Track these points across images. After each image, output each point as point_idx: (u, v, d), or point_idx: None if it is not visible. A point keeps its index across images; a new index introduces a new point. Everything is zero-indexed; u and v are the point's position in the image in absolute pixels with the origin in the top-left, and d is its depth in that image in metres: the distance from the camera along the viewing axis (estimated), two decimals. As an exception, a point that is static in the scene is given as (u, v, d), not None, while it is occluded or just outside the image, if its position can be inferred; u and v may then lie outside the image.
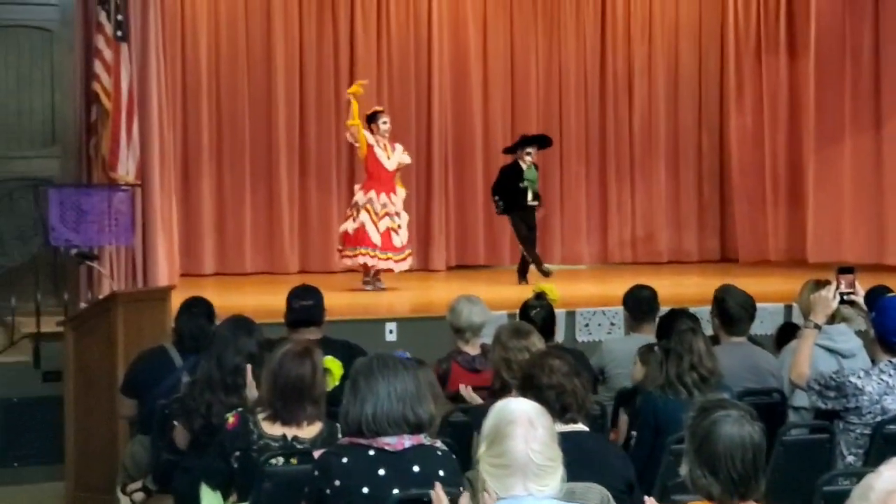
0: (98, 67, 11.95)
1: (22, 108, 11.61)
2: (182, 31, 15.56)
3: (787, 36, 17.49)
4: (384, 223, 13.16)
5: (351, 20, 16.38)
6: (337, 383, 5.82)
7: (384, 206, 13.19)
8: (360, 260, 13.18)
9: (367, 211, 13.15)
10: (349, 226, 13.28)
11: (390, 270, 13.40)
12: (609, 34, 17.67)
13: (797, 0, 17.38)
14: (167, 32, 13.62)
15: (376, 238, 13.08)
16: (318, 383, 5.49)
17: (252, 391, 5.89)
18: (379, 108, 13.78)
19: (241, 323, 6.39)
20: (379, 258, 13.16)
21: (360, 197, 13.32)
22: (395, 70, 16.59)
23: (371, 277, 13.47)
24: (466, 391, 6.71)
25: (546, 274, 14.05)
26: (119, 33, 12.04)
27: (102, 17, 12.00)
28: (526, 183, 14.10)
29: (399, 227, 13.31)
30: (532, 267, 14.28)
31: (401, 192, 13.51)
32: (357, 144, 13.42)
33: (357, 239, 13.12)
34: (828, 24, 16.50)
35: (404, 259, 13.43)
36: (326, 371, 5.66)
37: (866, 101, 16.18)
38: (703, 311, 8.38)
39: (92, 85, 12.00)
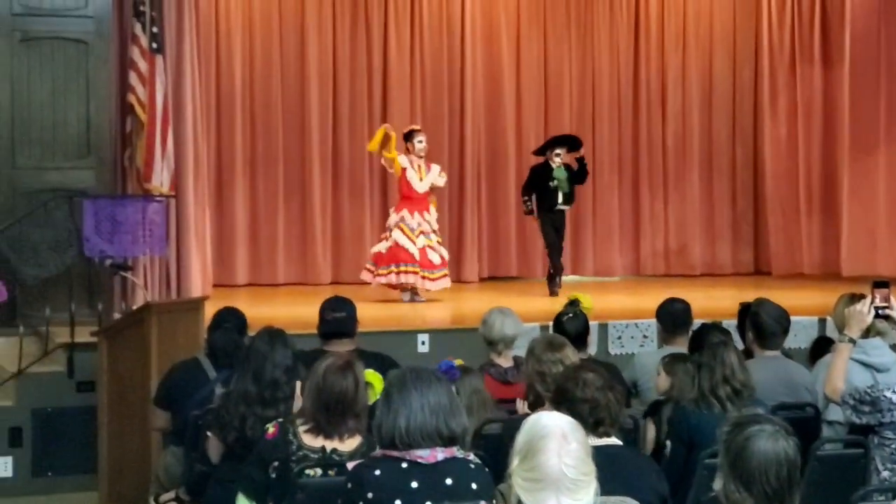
0: (133, 79, 12.01)
1: (57, 120, 11.65)
2: (216, 44, 15.61)
3: (821, 45, 17.41)
4: (421, 241, 13.16)
5: (384, 31, 16.40)
6: (378, 397, 5.82)
7: (419, 224, 13.19)
8: (403, 279, 13.17)
9: (401, 229, 13.15)
10: (382, 246, 13.30)
11: (428, 291, 13.39)
12: (642, 44, 17.63)
13: (832, 9, 17.30)
14: (202, 45, 13.66)
15: (415, 253, 13.08)
16: (360, 397, 5.52)
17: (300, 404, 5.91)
18: (416, 127, 13.80)
19: (276, 335, 6.40)
20: (419, 275, 13.15)
21: (392, 218, 13.37)
22: (428, 82, 16.60)
23: (409, 290, 13.47)
24: (522, 406, 6.65)
25: (555, 289, 13.94)
26: (154, 45, 12.10)
27: (138, 28, 12.06)
28: (556, 182, 13.98)
29: (434, 245, 13.30)
30: (561, 278, 14.22)
31: (434, 211, 13.49)
32: (392, 170, 13.45)
33: (392, 258, 13.13)
34: (862, 34, 16.43)
35: (442, 278, 13.42)
36: (368, 385, 5.68)
37: (901, 112, 16.13)
38: (731, 325, 8.35)
39: (127, 96, 12.07)
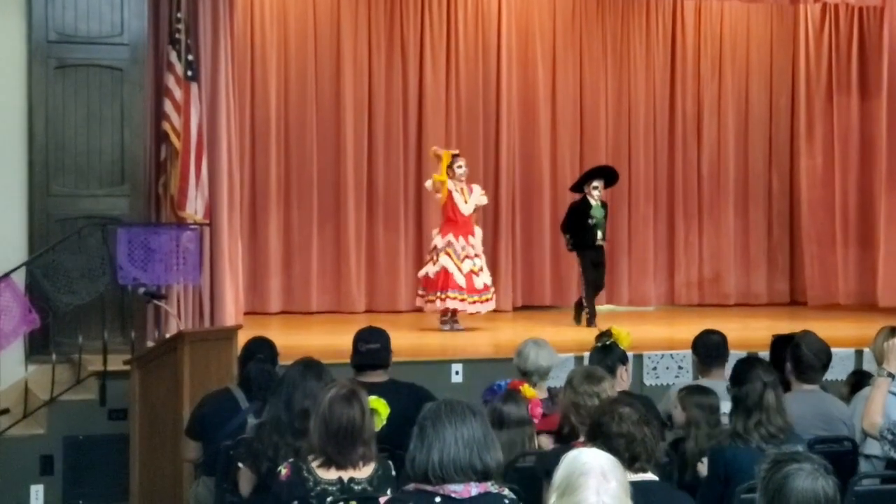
0: (168, 107, 12.04)
1: (92, 147, 11.68)
2: (252, 72, 15.64)
3: (858, 75, 17.35)
4: (466, 265, 13.21)
5: (420, 59, 16.41)
6: (384, 423, 5.79)
7: (464, 248, 13.25)
8: (449, 304, 13.23)
9: (448, 255, 13.20)
10: (430, 269, 13.35)
11: (477, 313, 13.42)
12: (679, 73, 17.59)
13: (869, 39, 17.25)
14: (237, 72, 13.67)
15: (461, 280, 13.13)
16: (367, 424, 5.52)
17: None
18: (455, 152, 13.86)
19: (310, 366, 6.38)
20: (467, 301, 13.20)
21: (438, 241, 13.42)
22: (464, 110, 16.59)
23: (449, 318, 13.48)
24: (543, 439, 6.58)
25: (589, 324, 13.85)
26: (189, 73, 12.14)
27: (173, 56, 12.11)
28: (594, 220, 13.98)
29: (480, 269, 13.35)
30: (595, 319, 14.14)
31: (478, 231, 13.56)
32: (438, 195, 13.49)
33: (441, 283, 13.17)
34: (900, 64, 16.38)
35: (490, 300, 13.48)
36: (373, 412, 5.65)
37: (939, 142, 16.04)
38: (765, 356, 8.28)
39: (161, 124, 12.10)
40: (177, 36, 12.11)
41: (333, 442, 5.41)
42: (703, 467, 6.47)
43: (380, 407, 5.78)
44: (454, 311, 13.42)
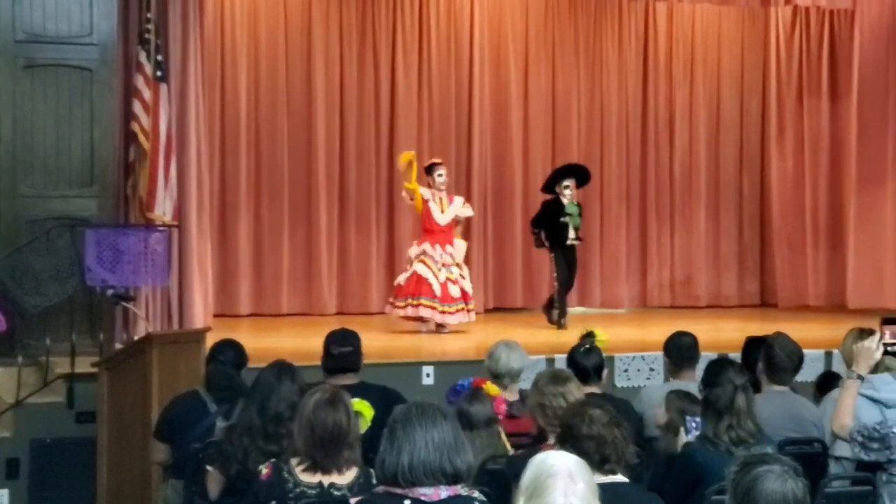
0: (137, 107, 11.96)
1: (61, 148, 11.60)
2: (221, 72, 15.57)
3: (829, 79, 17.40)
4: (443, 274, 13.15)
5: (392, 61, 16.37)
6: (369, 425, 5.78)
7: (441, 256, 13.20)
8: (422, 312, 13.17)
9: (423, 262, 13.15)
10: (402, 278, 13.34)
11: (446, 324, 13.38)
12: (651, 75, 17.62)
13: (840, 43, 17.30)
14: (206, 73, 13.60)
15: (437, 289, 13.08)
16: (352, 428, 5.50)
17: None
18: (437, 161, 13.85)
19: (285, 369, 6.36)
20: (438, 310, 13.14)
21: (413, 250, 13.40)
22: (436, 111, 16.56)
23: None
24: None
25: (560, 326, 13.86)
26: (159, 73, 12.06)
27: (142, 57, 12.02)
28: (567, 218, 13.93)
29: (458, 279, 13.29)
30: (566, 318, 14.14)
31: (459, 244, 13.49)
32: (412, 203, 13.45)
33: (413, 289, 13.13)
34: (871, 67, 16.40)
35: (463, 311, 13.42)
36: (357, 414, 5.63)
37: (909, 145, 16.08)
38: (736, 357, 8.29)
39: (131, 125, 12.01)
40: (146, 36, 12.03)
41: (320, 446, 5.40)
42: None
43: (364, 409, 5.78)
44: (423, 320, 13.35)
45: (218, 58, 15.42)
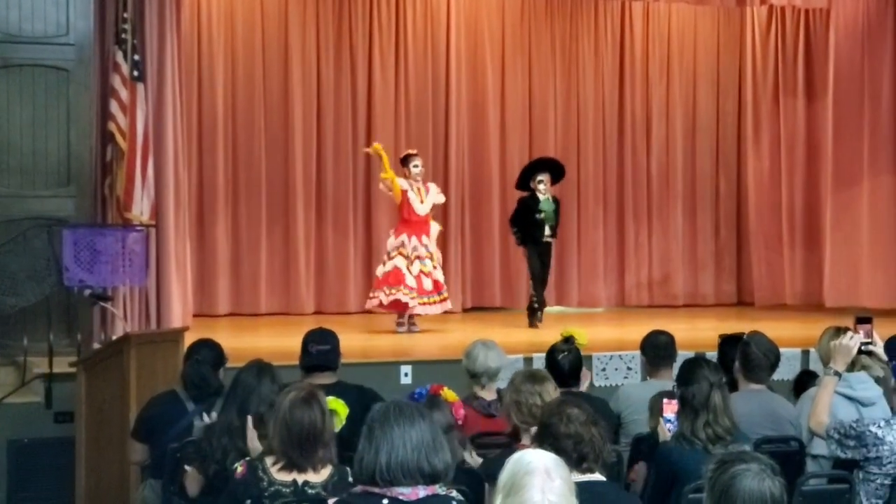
0: (114, 107, 11.92)
1: (37, 148, 11.57)
2: (199, 72, 15.56)
3: (805, 78, 17.47)
4: (416, 267, 13.17)
5: (368, 59, 16.37)
6: (343, 423, 5.78)
7: (415, 249, 13.22)
8: (400, 297, 13.13)
9: (401, 255, 13.16)
10: (380, 271, 13.33)
11: (425, 314, 13.40)
12: (627, 75, 17.66)
13: (815, 42, 17.38)
14: (183, 73, 13.56)
15: (412, 282, 13.10)
16: (327, 427, 5.52)
17: (254, 443, 5.87)
18: (412, 152, 13.86)
19: (264, 369, 6.37)
20: (417, 300, 13.16)
21: (391, 241, 13.38)
22: (413, 110, 16.57)
23: (405, 320, 13.43)
24: (472, 458, 6.56)
25: (535, 322, 13.90)
26: (135, 73, 12.02)
27: (119, 56, 11.97)
28: (542, 215, 13.91)
29: (430, 270, 13.29)
30: (545, 309, 14.17)
31: (434, 227, 13.51)
32: (391, 193, 13.43)
33: (392, 280, 13.12)
34: (846, 67, 16.44)
35: (438, 301, 13.43)
36: (332, 413, 5.64)
37: (884, 144, 16.09)
38: (712, 356, 8.31)
39: (107, 125, 11.96)
40: (123, 36, 11.99)
41: (296, 445, 5.41)
42: None
43: (339, 407, 5.78)
44: (411, 315, 13.34)
45: (195, 58, 15.41)
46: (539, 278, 14.11)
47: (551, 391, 6.24)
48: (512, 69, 17.07)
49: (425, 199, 13.45)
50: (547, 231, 13.94)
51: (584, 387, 7.80)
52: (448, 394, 6.79)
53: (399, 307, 13.33)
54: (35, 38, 11.61)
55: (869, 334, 6.58)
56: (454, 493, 4.64)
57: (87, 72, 11.86)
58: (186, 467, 6.35)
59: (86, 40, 11.82)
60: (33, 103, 11.59)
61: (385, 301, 13.24)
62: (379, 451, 4.49)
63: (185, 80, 13.97)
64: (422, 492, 4.49)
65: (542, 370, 6.88)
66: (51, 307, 10.75)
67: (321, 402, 5.51)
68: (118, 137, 11.86)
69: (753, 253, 17.71)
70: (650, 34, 17.74)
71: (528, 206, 13.96)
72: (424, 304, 13.30)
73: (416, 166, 13.49)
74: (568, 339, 8.06)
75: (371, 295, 13.60)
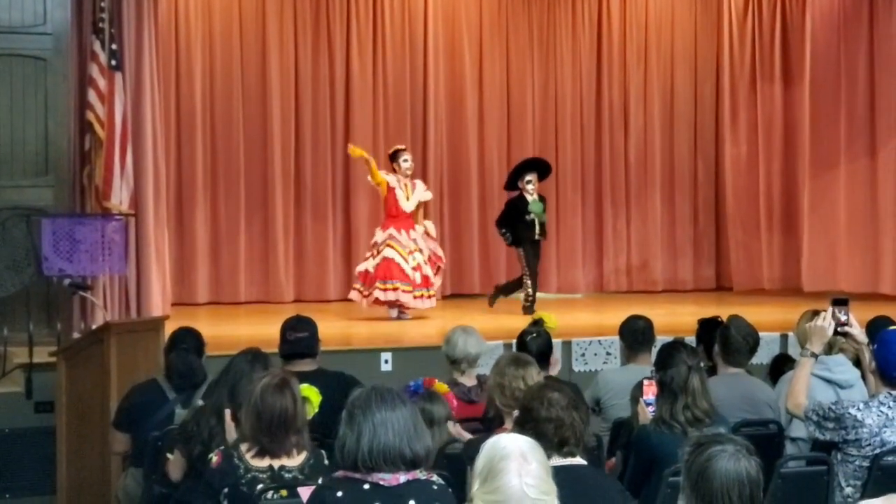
0: (92, 96, 11.90)
1: (15, 137, 11.56)
2: (177, 61, 15.53)
3: (781, 63, 17.50)
4: (412, 260, 13.13)
5: (346, 49, 16.35)
6: (316, 410, 5.80)
7: (407, 242, 13.17)
8: (400, 296, 13.12)
9: (392, 247, 13.11)
10: (369, 264, 13.25)
11: (417, 308, 13.40)
12: (605, 62, 17.66)
13: (792, 28, 17.40)
14: (162, 62, 13.57)
15: (410, 272, 13.07)
16: (300, 413, 5.52)
17: (231, 434, 5.88)
18: (401, 147, 13.86)
19: (258, 357, 6.39)
20: (413, 294, 13.14)
21: (379, 235, 13.32)
22: (391, 101, 16.55)
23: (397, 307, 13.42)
24: (455, 428, 6.63)
25: (529, 310, 13.92)
26: (113, 62, 12.00)
27: (97, 46, 11.95)
28: (532, 215, 13.89)
29: (420, 265, 13.28)
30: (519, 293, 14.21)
31: (420, 227, 13.48)
32: (380, 189, 13.43)
33: (383, 273, 13.08)
34: (823, 52, 16.49)
35: (430, 297, 13.48)
36: (305, 399, 5.65)
37: (861, 129, 16.12)
38: (691, 341, 8.35)
39: (86, 114, 11.94)
40: (100, 25, 11.96)
41: (266, 431, 5.41)
42: None
43: (311, 395, 5.79)
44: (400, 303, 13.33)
45: (173, 47, 15.37)
46: (535, 274, 14.15)
47: (534, 375, 6.28)
48: (490, 57, 17.07)
49: (411, 195, 13.40)
50: (538, 230, 13.93)
51: (554, 371, 7.82)
52: (440, 386, 6.84)
53: (399, 305, 13.30)
54: (12, 28, 11.60)
55: (845, 315, 6.61)
56: (434, 478, 4.67)
57: (65, 61, 11.84)
58: (169, 455, 6.36)
59: (63, 30, 11.80)
60: (11, 93, 11.57)
61: (382, 298, 13.16)
62: (361, 436, 4.51)
63: (164, 68, 13.99)
64: (403, 477, 4.52)
65: (526, 354, 6.91)
66: (30, 297, 10.76)
67: (293, 389, 5.52)
68: (96, 127, 11.84)
69: (731, 238, 17.75)
70: (627, 21, 17.73)
71: (516, 208, 13.95)
72: (420, 297, 13.27)
73: (405, 161, 13.46)
74: (537, 322, 8.10)
75: (365, 293, 13.38)
